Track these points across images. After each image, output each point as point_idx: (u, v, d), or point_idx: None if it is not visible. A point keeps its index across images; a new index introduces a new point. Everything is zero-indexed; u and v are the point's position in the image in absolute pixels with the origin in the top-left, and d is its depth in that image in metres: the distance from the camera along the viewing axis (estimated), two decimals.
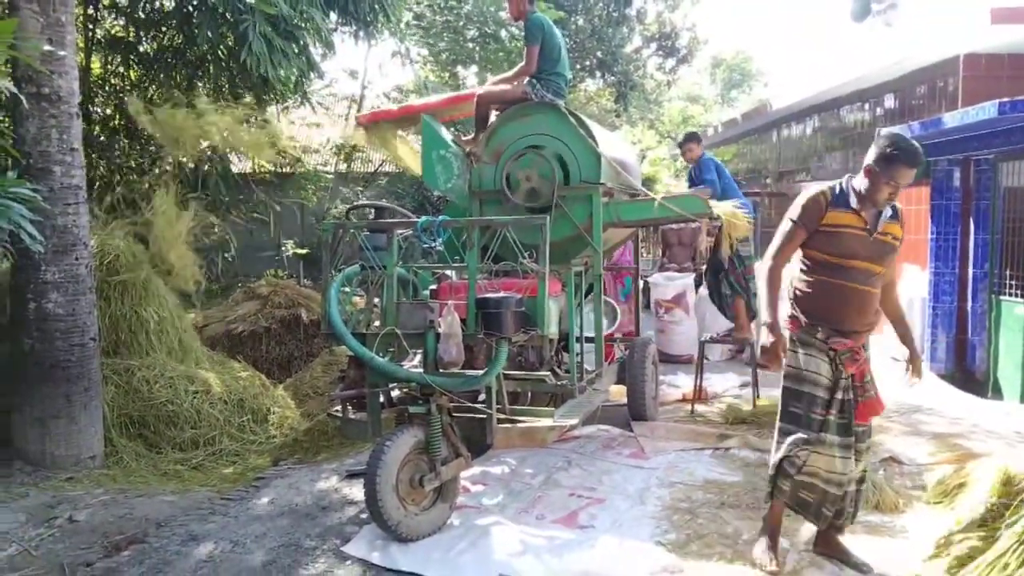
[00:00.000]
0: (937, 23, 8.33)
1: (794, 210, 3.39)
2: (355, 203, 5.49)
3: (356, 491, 4.66)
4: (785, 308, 3.47)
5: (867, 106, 10.78)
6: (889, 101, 10.14)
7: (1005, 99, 6.18)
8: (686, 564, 3.63)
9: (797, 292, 3.47)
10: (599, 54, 15.89)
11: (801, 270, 3.48)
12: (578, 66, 16.51)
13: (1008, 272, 7.32)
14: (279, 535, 4.14)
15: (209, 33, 8.68)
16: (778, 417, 3.48)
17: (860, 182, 3.32)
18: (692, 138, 7.51)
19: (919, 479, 4.66)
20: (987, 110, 6.28)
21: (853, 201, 3.34)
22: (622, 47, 16.29)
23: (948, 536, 3.27)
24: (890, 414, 6.20)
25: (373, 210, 4.91)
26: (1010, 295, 7.28)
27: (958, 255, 7.87)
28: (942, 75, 8.69)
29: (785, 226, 3.41)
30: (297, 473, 5.25)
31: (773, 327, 3.32)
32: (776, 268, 3.42)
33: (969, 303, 7.75)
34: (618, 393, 6.38)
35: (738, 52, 36.39)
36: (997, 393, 7.33)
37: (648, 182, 17.67)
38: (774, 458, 3.44)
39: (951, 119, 6.93)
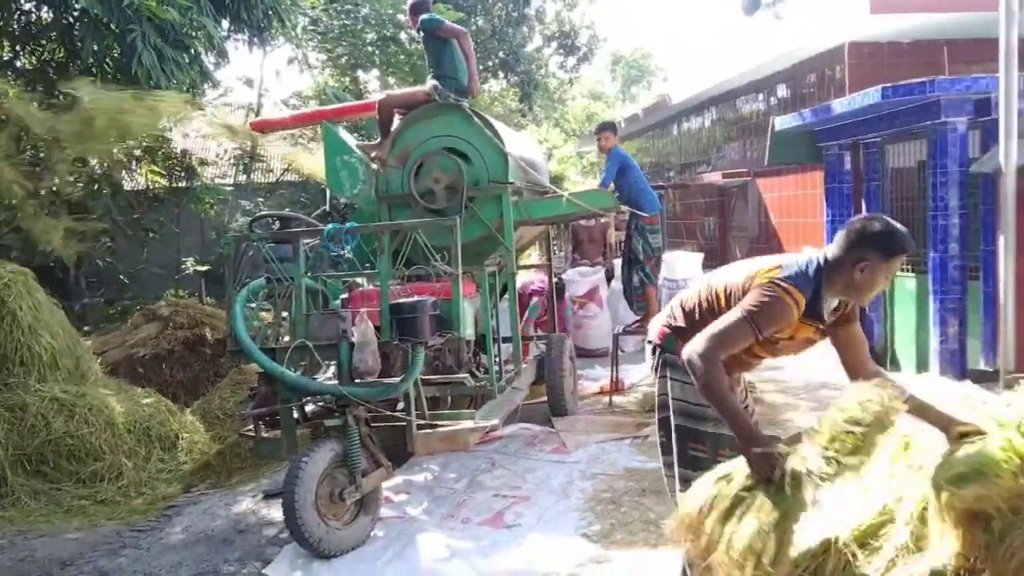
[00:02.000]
0: (822, 14, 8.68)
1: (758, 313, 2.59)
2: (258, 214, 5.31)
3: (274, 512, 4.50)
4: (668, 318, 3.00)
5: (761, 96, 11.17)
6: (782, 90, 10.54)
7: (888, 85, 6.48)
8: (611, 553, 3.66)
9: (695, 319, 2.86)
10: (501, 54, 15.91)
11: (707, 311, 2.83)
12: (481, 67, 16.49)
13: None
14: (195, 563, 3.97)
15: (95, 46, 8.29)
16: (675, 459, 2.94)
17: (845, 277, 2.64)
18: (606, 127, 7.55)
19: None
20: (871, 95, 6.57)
21: (826, 312, 2.72)
22: (523, 47, 16.37)
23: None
24: (798, 391, 6.44)
25: (277, 221, 4.77)
26: (902, 270, 7.64)
27: None
28: (829, 64, 9.08)
29: (738, 324, 2.59)
30: (211, 498, 5.05)
31: (755, 437, 2.54)
32: (720, 370, 2.57)
33: None
34: (538, 391, 6.41)
35: (636, 48, 37.23)
36: (895, 365, 7.67)
37: (556, 180, 17.85)
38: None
39: (839, 105, 7.23)
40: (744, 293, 2.71)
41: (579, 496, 4.40)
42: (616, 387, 6.72)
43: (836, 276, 2.66)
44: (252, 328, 4.31)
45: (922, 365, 7.13)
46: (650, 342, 3.06)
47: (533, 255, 11.74)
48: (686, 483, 2.77)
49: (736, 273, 2.85)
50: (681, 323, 2.92)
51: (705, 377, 2.57)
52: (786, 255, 2.87)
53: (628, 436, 5.47)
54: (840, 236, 2.72)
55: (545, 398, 6.11)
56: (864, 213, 3.12)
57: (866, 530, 3.01)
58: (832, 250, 2.71)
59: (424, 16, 5.57)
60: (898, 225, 2.63)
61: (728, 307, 2.76)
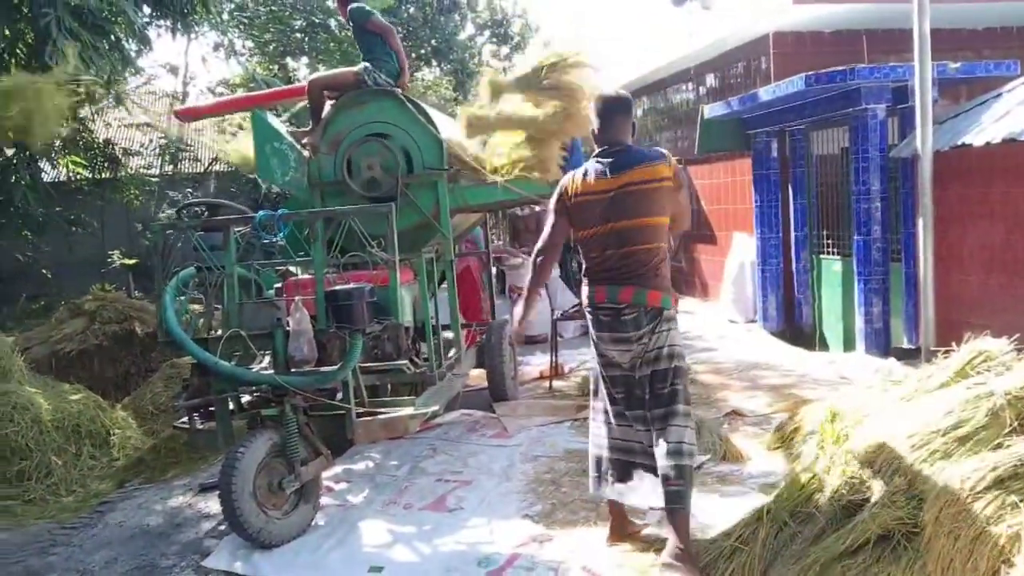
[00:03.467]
0: (748, 4, 8.88)
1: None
2: (186, 202, 5.18)
3: (212, 504, 4.42)
4: (659, 280, 3.28)
5: (691, 86, 11.37)
6: (711, 80, 10.75)
7: (811, 73, 6.69)
8: (553, 531, 3.71)
9: (664, 265, 3.30)
10: (433, 42, 15.84)
11: (662, 247, 3.30)
12: (413, 55, 16.38)
13: (824, 232, 7.96)
14: (131, 558, 3.88)
15: (6, 30, 7.94)
16: (684, 401, 3.24)
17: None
18: None
19: (761, 428, 5.00)
20: (795, 83, 6.77)
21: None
22: (456, 35, 16.33)
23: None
24: (730, 371, 6.62)
25: (207, 209, 4.66)
26: (828, 254, 7.92)
27: (780, 220, 8.46)
28: (755, 53, 9.30)
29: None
30: (146, 493, 4.93)
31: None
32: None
33: (794, 264, 8.37)
34: (478, 377, 6.44)
35: (570, 39, 37.35)
36: (824, 345, 7.96)
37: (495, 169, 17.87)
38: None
39: (765, 93, 7.43)
40: (670, 193, 3.27)
41: (521, 478, 4.45)
42: (556, 371, 6.79)
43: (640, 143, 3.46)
44: (183, 319, 4.21)
45: (849, 344, 7.42)
46: (644, 310, 3.20)
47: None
48: (676, 416, 3.18)
49: (647, 201, 3.23)
50: (661, 277, 3.25)
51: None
52: (631, 161, 3.27)
53: (568, 419, 5.53)
54: (612, 120, 3.35)
55: (486, 384, 6.14)
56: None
57: (797, 500, 3.15)
58: (626, 136, 3.34)
59: (353, 6, 5.50)
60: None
61: (669, 215, 3.29)
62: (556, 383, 6.62)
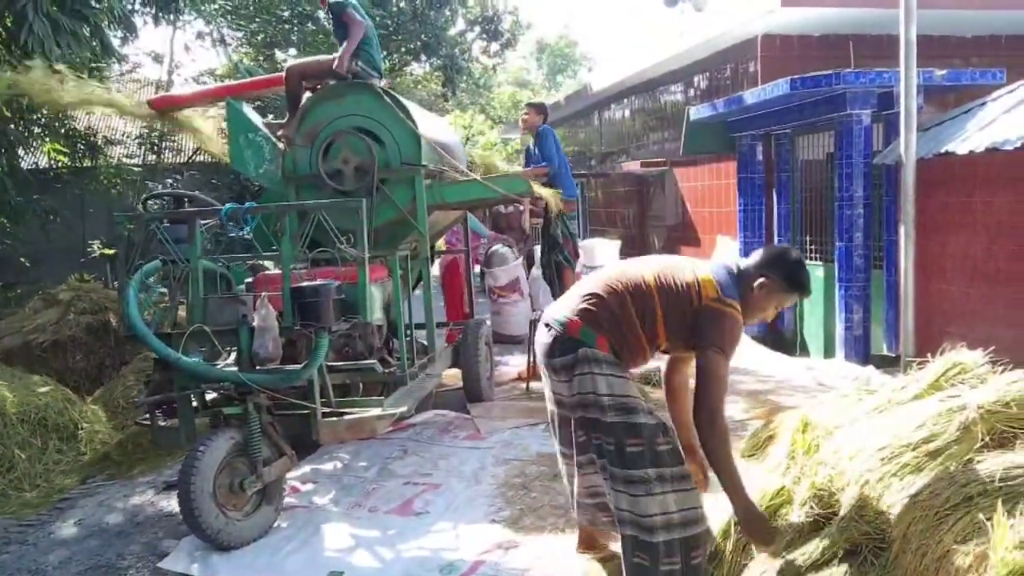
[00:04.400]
0: (737, 5, 8.83)
1: (730, 345, 2.77)
2: (151, 192, 5.08)
3: (174, 503, 4.27)
4: (578, 310, 2.86)
5: (679, 87, 11.32)
6: (699, 81, 10.70)
7: (796, 76, 6.64)
8: (520, 538, 3.64)
9: (617, 320, 2.82)
10: (423, 37, 15.68)
11: (629, 309, 2.82)
12: (402, 49, 16.25)
13: (808, 238, 7.92)
14: (87, 558, 3.78)
15: None
16: (636, 463, 2.75)
17: (744, 290, 2.84)
18: (534, 106, 7.53)
19: (736, 435, 4.93)
20: (780, 87, 6.72)
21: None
22: (445, 30, 16.16)
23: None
24: None
25: (172, 200, 4.56)
26: (811, 259, 7.88)
27: (764, 224, 8.42)
28: (743, 56, 9.25)
29: (721, 366, 2.75)
30: (108, 490, 4.82)
31: (750, 508, 2.80)
32: (727, 432, 2.81)
33: None
34: (454, 377, 6.35)
35: (561, 37, 37.33)
36: (804, 351, 7.92)
37: (481, 166, 17.75)
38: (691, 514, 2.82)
39: (751, 96, 7.38)
40: (690, 305, 2.78)
41: (491, 482, 4.37)
42: (533, 372, 6.71)
43: (741, 285, 2.84)
44: (147, 313, 4.11)
45: (829, 350, 7.38)
46: (559, 336, 2.84)
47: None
48: (628, 483, 2.75)
49: (672, 273, 2.84)
50: (602, 317, 2.81)
51: (723, 437, 2.78)
52: (710, 262, 2.97)
53: (542, 421, 5.44)
54: (758, 251, 2.93)
55: (461, 385, 6.06)
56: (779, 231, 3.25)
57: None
58: (745, 262, 2.90)
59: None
60: (806, 268, 2.89)
61: (661, 302, 2.80)
62: (533, 384, 6.54)
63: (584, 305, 2.85)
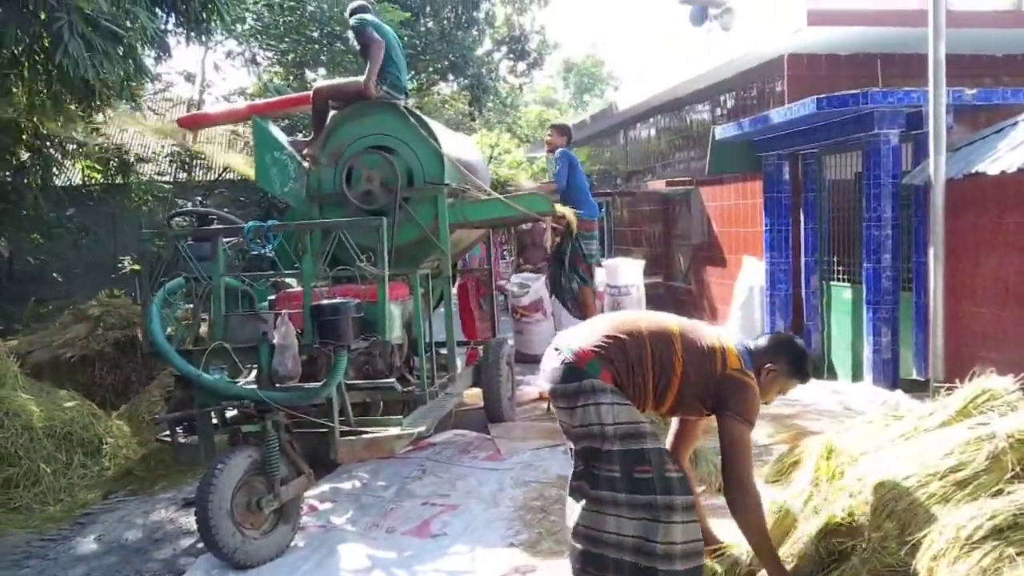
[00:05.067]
0: (763, 25, 8.79)
1: (753, 414, 2.84)
2: (176, 211, 5.14)
3: (193, 520, 4.31)
4: (596, 344, 2.85)
5: (705, 105, 11.27)
6: (725, 100, 10.64)
7: (823, 96, 6.57)
8: (538, 562, 3.60)
9: (629, 363, 2.83)
10: (451, 57, 15.82)
11: (645, 358, 2.84)
12: (430, 69, 16.40)
13: (835, 259, 7.81)
14: (105, 574, 3.80)
15: (18, 32, 7.95)
16: (619, 488, 2.75)
17: (756, 369, 2.94)
18: (557, 127, 7.58)
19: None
20: (807, 106, 6.65)
21: None
22: (473, 50, 16.31)
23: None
24: None
25: (196, 218, 4.61)
26: (838, 280, 7.76)
27: (790, 245, 8.31)
28: (770, 75, 9.19)
29: (746, 436, 2.81)
30: (129, 505, 4.85)
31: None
32: (759, 499, 2.83)
33: (803, 289, 8.21)
34: (475, 396, 6.33)
35: (588, 56, 37.45)
36: (832, 374, 7.79)
37: (506, 185, 17.80)
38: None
39: (776, 115, 7.31)
40: (713, 370, 2.84)
41: (509, 504, 4.33)
42: None
43: (758, 369, 2.95)
44: (169, 329, 4.15)
45: (857, 374, 7.25)
46: (566, 362, 2.82)
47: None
48: (633, 507, 2.72)
49: (697, 334, 2.91)
50: (615, 357, 2.81)
51: (758, 511, 2.82)
52: (723, 331, 3.09)
53: (563, 443, 5.39)
54: (770, 336, 3.07)
55: (482, 404, 6.03)
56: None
57: (785, 540, 3.02)
58: (759, 343, 3.02)
59: (355, 18, 5.47)
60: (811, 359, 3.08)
61: (684, 359, 2.83)
62: None
63: (601, 342, 2.85)
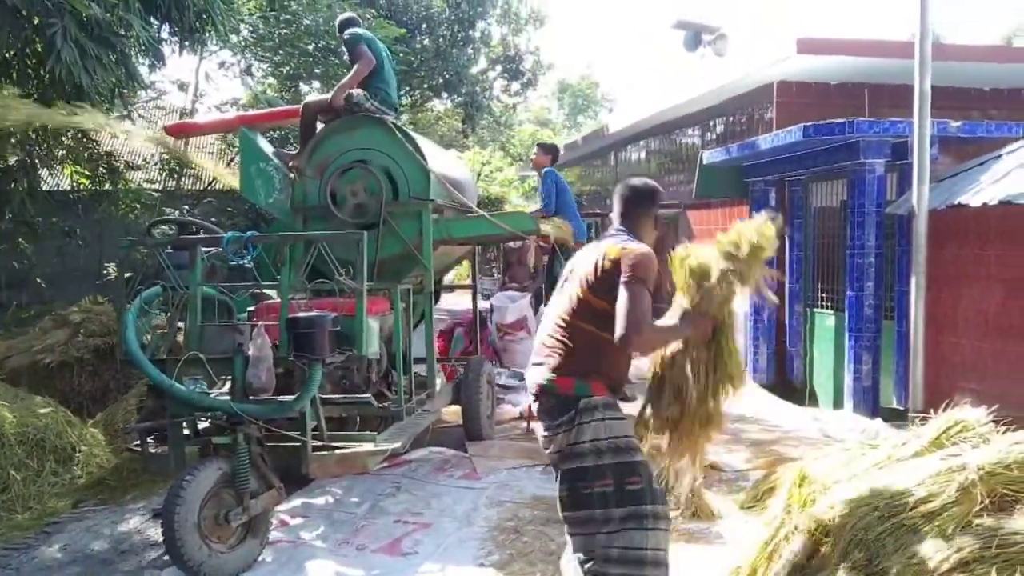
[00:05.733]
0: (753, 51, 8.87)
1: (635, 272, 2.81)
2: (156, 219, 5.11)
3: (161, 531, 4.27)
4: (557, 368, 2.91)
5: (696, 130, 11.34)
6: (715, 125, 10.71)
7: (809, 124, 6.62)
8: None
9: (589, 349, 2.91)
10: (445, 74, 15.89)
11: (586, 328, 2.91)
12: (424, 85, 16.46)
13: (819, 285, 7.83)
14: None
15: (10, 36, 7.94)
16: (612, 502, 2.79)
17: (636, 230, 3.07)
18: (543, 146, 7.64)
19: (737, 485, 4.83)
20: (794, 133, 6.69)
21: None
22: (468, 68, 16.39)
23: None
24: None
25: (176, 226, 4.58)
26: (822, 307, 7.78)
27: (776, 270, 8.33)
28: (759, 101, 9.25)
29: (635, 291, 2.77)
30: (98, 515, 4.78)
31: (688, 319, 2.92)
32: (651, 330, 2.86)
33: (787, 316, 8.22)
34: (455, 414, 6.29)
35: (583, 77, 37.71)
36: (813, 400, 7.78)
37: (498, 203, 17.84)
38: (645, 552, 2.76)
39: (764, 142, 7.35)
40: (608, 278, 2.87)
41: (482, 524, 4.29)
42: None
43: (631, 233, 3.05)
44: (144, 338, 4.11)
45: (838, 401, 7.25)
46: (557, 399, 2.86)
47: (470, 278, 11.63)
48: (624, 520, 2.77)
49: (585, 272, 2.97)
50: (580, 358, 2.88)
51: (649, 340, 2.88)
52: (598, 242, 3.10)
53: (541, 463, 5.37)
54: (616, 202, 3.16)
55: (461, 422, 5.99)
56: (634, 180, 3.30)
57: (755, 567, 3.00)
58: (618, 218, 3.13)
59: (348, 32, 5.49)
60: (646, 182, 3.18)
61: (601, 300, 2.88)
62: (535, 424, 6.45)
63: (560, 357, 2.90)
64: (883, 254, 6.74)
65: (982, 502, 2.62)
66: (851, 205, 6.83)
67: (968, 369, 5.87)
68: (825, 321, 7.66)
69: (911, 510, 2.70)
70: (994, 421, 3.12)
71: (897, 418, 6.22)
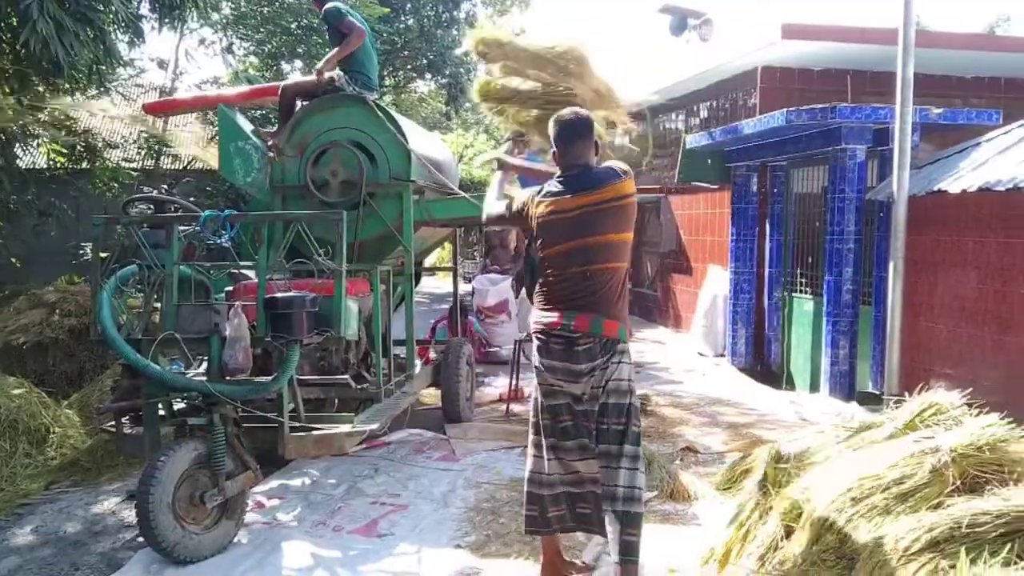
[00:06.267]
0: (738, 36, 8.85)
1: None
2: (132, 196, 5.03)
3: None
4: (615, 309, 3.10)
5: (681, 114, 11.33)
6: (700, 109, 10.71)
7: (792, 109, 6.62)
8: (484, 563, 3.56)
9: (622, 295, 3.14)
10: (429, 55, 15.76)
11: (621, 269, 3.13)
12: (408, 66, 16.33)
13: (799, 271, 7.87)
14: (38, 567, 3.69)
15: None
16: (636, 442, 3.06)
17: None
18: (513, 135, 7.54)
19: (714, 467, 4.86)
20: (776, 118, 6.69)
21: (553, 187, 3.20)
22: (452, 49, 16.26)
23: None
24: (691, 405, 6.48)
25: (152, 204, 4.51)
26: (800, 292, 7.82)
27: (756, 255, 8.37)
28: (744, 86, 9.26)
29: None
30: (71, 497, 4.73)
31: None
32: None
33: (766, 300, 8.27)
34: (435, 396, 6.28)
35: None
36: (790, 384, 7.84)
37: (481, 186, 17.75)
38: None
39: (747, 126, 7.35)
40: (630, 208, 3.14)
41: (460, 505, 4.29)
42: (515, 394, 6.64)
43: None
44: (119, 318, 4.05)
45: (815, 384, 7.31)
46: (600, 341, 3.03)
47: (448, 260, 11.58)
48: (629, 458, 2.99)
49: (611, 220, 3.10)
50: (617, 306, 3.08)
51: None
52: (594, 182, 3.14)
53: (519, 445, 5.37)
54: (572, 146, 3.19)
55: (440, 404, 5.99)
56: None
57: (729, 549, 3.02)
58: (590, 159, 3.21)
59: (329, 5, 5.39)
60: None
61: (630, 233, 3.15)
62: (514, 407, 6.47)
63: (603, 302, 3.05)
64: (862, 240, 6.78)
65: (954, 483, 2.65)
66: (832, 191, 6.85)
67: (944, 354, 5.93)
68: (803, 306, 7.71)
69: (884, 491, 2.73)
70: (967, 404, 3.15)
71: (873, 402, 6.27)
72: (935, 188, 5.80)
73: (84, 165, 11.42)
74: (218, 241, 4.09)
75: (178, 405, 4.07)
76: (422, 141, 5.90)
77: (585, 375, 3.05)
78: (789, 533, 2.95)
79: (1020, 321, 5.26)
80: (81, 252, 11.95)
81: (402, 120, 5.57)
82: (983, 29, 28.31)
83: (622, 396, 3.03)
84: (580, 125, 3.21)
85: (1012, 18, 31.91)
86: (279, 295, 3.85)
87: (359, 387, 4.57)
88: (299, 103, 5.60)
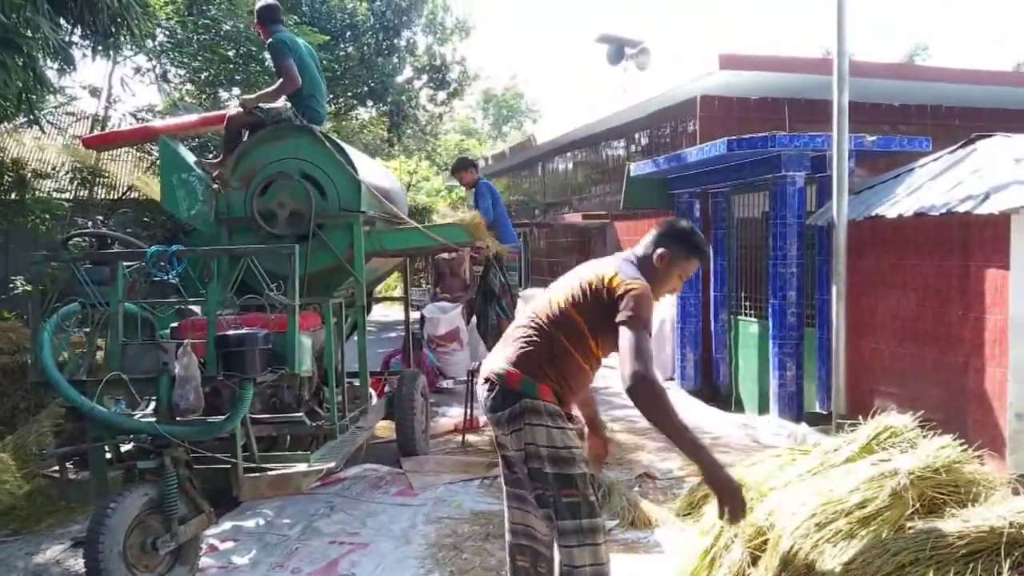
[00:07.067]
0: (677, 66, 9.08)
1: (645, 315, 2.64)
2: (72, 232, 4.86)
3: (82, 562, 4.04)
4: (511, 361, 2.80)
5: (622, 143, 11.52)
6: (640, 138, 10.91)
7: (734, 137, 6.79)
8: None
9: (551, 355, 2.78)
10: (370, 82, 15.72)
11: (557, 335, 2.78)
12: (349, 94, 16.25)
13: (743, 294, 8.03)
14: None
15: None
16: (571, 513, 2.67)
17: (649, 268, 2.84)
18: (463, 164, 7.56)
19: (673, 493, 4.89)
20: (718, 147, 6.86)
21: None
22: (393, 77, 16.25)
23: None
24: (646, 430, 6.52)
25: (95, 240, 4.36)
26: (745, 315, 7.98)
27: (701, 279, 8.51)
28: (683, 114, 9.47)
29: (639, 335, 2.58)
30: (9, 546, 4.49)
31: (719, 470, 2.59)
32: (665, 392, 2.63)
33: (712, 324, 8.41)
34: (389, 429, 6.19)
35: (508, 88, 37.94)
36: (739, 406, 7.97)
37: (425, 212, 17.72)
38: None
39: (691, 155, 7.51)
40: (603, 303, 2.71)
41: (421, 542, 4.22)
42: (470, 424, 6.59)
43: (644, 269, 2.83)
44: (61, 358, 3.89)
45: (763, 406, 7.43)
46: (500, 389, 2.77)
47: (398, 288, 11.46)
48: (562, 534, 2.68)
49: (579, 283, 2.80)
50: (539, 360, 2.76)
51: (659, 400, 2.54)
52: (602, 261, 2.94)
53: (478, 477, 5.33)
54: (649, 233, 2.96)
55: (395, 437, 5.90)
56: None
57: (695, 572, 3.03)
58: (641, 247, 2.93)
59: (274, 38, 5.32)
60: (699, 234, 2.97)
61: (581, 318, 2.76)
62: (470, 437, 6.42)
63: (519, 352, 2.79)
64: (804, 264, 6.96)
65: (914, 506, 2.71)
66: (773, 216, 7.03)
67: (888, 374, 6.11)
68: (749, 328, 7.86)
69: (847, 516, 2.78)
70: (920, 426, 3.25)
71: (821, 422, 6.42)
72: (873, 213, 6.00)
73: (13, 196, 11.01)
74: (165, 277, 3.97)
75: (125, 448, 3.92)
76: (371, 170, 5.87)
77: (500, 427, 2.79)
78: (755, 560, 2.98)
79: (957, 341, 5.46)
80: (11, 286, 11.48)
81: (350, 150, 5.53)
82: (902, 58, 29.63)
83: (546, 463, 2.69)
84: (668, 227, 2.96)
85: (930, 47, 33.47)
86: (231, 332, 3.75)
87: (313, 424, 4.47)
88: (245, 134, 5.52)
